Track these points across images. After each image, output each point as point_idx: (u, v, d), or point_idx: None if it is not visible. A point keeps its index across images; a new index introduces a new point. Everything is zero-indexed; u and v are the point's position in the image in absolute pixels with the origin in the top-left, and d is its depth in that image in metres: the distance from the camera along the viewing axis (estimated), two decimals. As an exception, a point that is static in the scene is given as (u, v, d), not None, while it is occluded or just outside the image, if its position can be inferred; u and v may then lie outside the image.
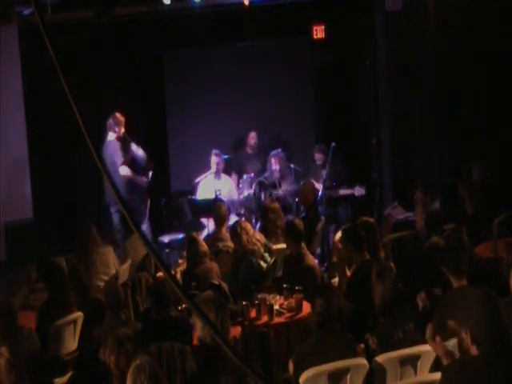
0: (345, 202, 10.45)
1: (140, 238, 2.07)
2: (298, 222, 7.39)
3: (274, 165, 10.66)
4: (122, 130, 9.81)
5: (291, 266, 7.03)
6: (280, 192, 10.48)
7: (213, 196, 10.20)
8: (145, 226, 10.09)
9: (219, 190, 10.31)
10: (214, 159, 10.50)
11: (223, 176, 10.64)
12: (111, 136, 9.80)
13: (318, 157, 10.56)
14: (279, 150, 10.80)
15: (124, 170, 9.76)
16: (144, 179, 10.02)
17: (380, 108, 10.96)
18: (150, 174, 10.07)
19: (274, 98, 11.38)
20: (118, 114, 9.81)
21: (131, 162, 9.90)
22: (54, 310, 6.39)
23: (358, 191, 10.09)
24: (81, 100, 2.07)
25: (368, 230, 6.66)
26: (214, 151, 10.51)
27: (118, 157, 9.73)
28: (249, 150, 11.28)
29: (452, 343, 3.71)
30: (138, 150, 10.00)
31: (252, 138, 11.24)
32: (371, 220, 7.07)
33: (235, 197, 10.57)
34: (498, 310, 3.55)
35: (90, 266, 7.61)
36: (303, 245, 7.10)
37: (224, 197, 10.29)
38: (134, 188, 9.92)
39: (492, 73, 9.54)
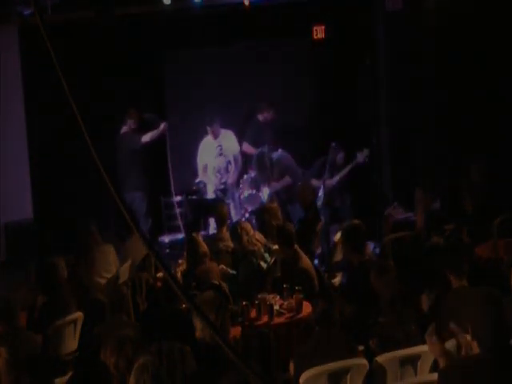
0: (346, 196, 10.35)
1: (140, 238, 2.07)
2: (289, 225, 7.35)
3: None
4: (134, 124, 10.50)
5: (287, 268, 7.01)
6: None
7: (215, 152, 10.43)
8: (144, 226, 10.08)
9: (220, 146, 10.46)
10: (209, 129, 10.54)
11: (222, 132, 10.57)
12: (124, 129, 10.52)
13: (341, 155, 10.18)
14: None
15: (145, 138, 10.45)
16: (161, 128, 10.53)
17: (380, 107, 10.94)
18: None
19: (273, 98, 11.34)
20: (131, 110, 10.52)
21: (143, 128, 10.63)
22: (52, 311, 6.38)
23: (360, 158, 9.95)
24: (80, 100, 2.07)
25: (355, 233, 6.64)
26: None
27: (135, 139, 10.43)
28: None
29: (451, 344, 3.70)
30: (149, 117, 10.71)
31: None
32: (358, 222, 6.97)
33: (237, 151, 10.59)
34: (501, 310, 3.54)
35: (91, 265, 7.63)
36: (296, 247, 7.06)
37: (226, 151, 10.46)
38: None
39: (492, 72, 9.54)
